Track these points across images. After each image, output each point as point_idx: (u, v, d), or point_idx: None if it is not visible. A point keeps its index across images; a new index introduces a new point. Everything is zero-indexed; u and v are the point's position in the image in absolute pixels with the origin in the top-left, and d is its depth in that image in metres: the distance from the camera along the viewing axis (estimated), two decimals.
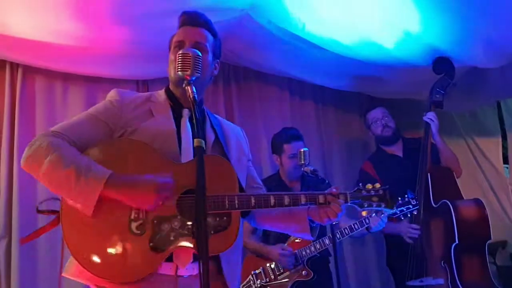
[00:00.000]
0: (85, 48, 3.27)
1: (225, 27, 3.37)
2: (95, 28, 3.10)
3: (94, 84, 3.64)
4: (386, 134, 3.63)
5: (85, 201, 1.50)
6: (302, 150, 2.62)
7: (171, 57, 1.82)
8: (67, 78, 3.58)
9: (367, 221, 3.05)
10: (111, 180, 1.50)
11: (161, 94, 1.87)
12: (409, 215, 2.84)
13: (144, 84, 3.78)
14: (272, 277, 3.18)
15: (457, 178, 3.23)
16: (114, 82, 3.70)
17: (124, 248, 1.52)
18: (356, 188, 1.83)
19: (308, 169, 2.57)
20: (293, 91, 4.42)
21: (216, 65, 1.91)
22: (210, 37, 1.87)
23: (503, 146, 4.38)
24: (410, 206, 2.98)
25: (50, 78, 3.54)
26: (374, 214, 1.86)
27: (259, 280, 3.18)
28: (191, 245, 1.56)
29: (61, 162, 1.52)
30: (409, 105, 4.20)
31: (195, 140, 1.46)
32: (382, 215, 2.98)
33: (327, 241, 3.12)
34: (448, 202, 2.93)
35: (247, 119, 4.11)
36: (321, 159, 4.32)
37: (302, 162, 2.60)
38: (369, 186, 1.83)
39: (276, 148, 3.43)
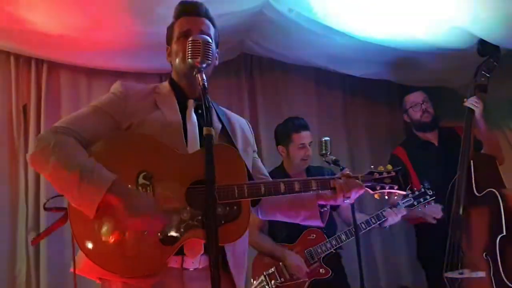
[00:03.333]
0: (109, 43, 3.29)
1: (246, 17, 3.34)
2: (118, 23, 3.11)
3: (119, 78, 3.54)
4: (425, 120, 3.51)
5: (86, 206, 1.48)
6: (324, 139, 2.56)
7: (177, 47, 1.78)
8: (92, 73, 3.64)
9: (383, 214, 2.97)
10: (113, 188, 1.48)
11: (165, 85, 1.85)
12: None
13: (167, 78, 3.76)
14: (288, 276, 3.02)
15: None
16: (138, 76, 3.74)
17: (133, 242, 1.50)
18: (368, 171, 1.78)
19: (330, 158, 2.50)
20: (319, 80, 4.34)
21: (217, 55, 1.87)
22: (212, 27, 1.84)
23: None
24: (428, 196, 2.94)
25: (75, 73, 3.60)
26: (386, 197, 1.78)
27: (273, 281, 3.01)
28: (202, 237, 1.53)
29: (66, 163, 1.51)
30: (440, 93, 4.04)
31: (204, 128, 1.44)
32: (397, 206, 2.92)
33: (343, 237, 3.02)
34: (495, 191, 2.78)
35: (272, 111, 4.07)
36: (348, 149, 4.24)
37: (324, 152, 2.54)
38: (381, 168, 1.79)
39: (283, 139, 3.26)
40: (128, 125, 1.67)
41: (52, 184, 1.55)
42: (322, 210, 1.81)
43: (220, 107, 1.94)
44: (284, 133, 3.24)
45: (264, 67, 4.18)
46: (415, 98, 3.58)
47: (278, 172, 3.25)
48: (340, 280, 3.15)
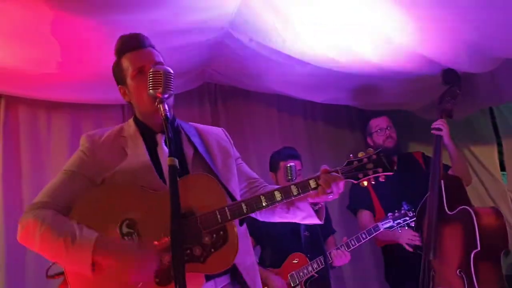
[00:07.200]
0: (66, 75, 3.23)
1: (208, 47, 3.36)
2: (74, 55, 3.06)
3: (79, 110, 3.62)
4: (387, 145, 3.52)
5: (80, 269, 1.54)
6: (288, 165, 2.61)
7: (135, 84, 1.76)
8: (51, 106, 3.56)
9: (376, 228, 3.08)
10: (98, 248, 1.53)
11: (130, 124, 1.84)
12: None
13: (129, 108, 3.73)
14: None
15: (466, 186, 3.14)
16: (99, 107, 3.69)
17: None
18: (346, 161, 1.74)
19: None
20: (281, 107, 4.40)
21: None
22: (159, 54, 1.84)
23: (498, 152, 4.28)
24: (407, 218, 3.02)
25: (34, 107, 3.52)
26: (373, 182, 1.74)
27: None
28: (194, 270, 1.55)
29: (49, 237, 1.57)
30: (397, 118, 4.13)
31: (168, 158, 1.43)
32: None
33: (323, 260, 3.08)
34: (468, 208, 2.82)
35: (236, 139, 3.98)
36: (313, 172, 4.23)
37: (290, 177, 2.58)
38: (361, 153, 1.73)
39: (273, 166, 3.46)
40: (101, 180, 1.70)
41: (46, 257, 1.63)
42: (316, 208, 1.80)
43: (191, 125, 1.92)
44: (274, 161, 3.46)
45: (226, 94, 4.21)
46: (380, 122, 3.61)
47: None
48: None
